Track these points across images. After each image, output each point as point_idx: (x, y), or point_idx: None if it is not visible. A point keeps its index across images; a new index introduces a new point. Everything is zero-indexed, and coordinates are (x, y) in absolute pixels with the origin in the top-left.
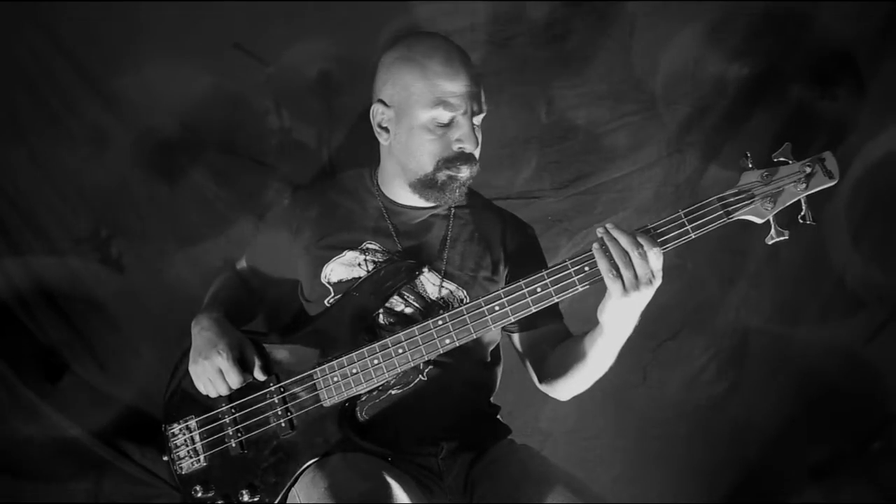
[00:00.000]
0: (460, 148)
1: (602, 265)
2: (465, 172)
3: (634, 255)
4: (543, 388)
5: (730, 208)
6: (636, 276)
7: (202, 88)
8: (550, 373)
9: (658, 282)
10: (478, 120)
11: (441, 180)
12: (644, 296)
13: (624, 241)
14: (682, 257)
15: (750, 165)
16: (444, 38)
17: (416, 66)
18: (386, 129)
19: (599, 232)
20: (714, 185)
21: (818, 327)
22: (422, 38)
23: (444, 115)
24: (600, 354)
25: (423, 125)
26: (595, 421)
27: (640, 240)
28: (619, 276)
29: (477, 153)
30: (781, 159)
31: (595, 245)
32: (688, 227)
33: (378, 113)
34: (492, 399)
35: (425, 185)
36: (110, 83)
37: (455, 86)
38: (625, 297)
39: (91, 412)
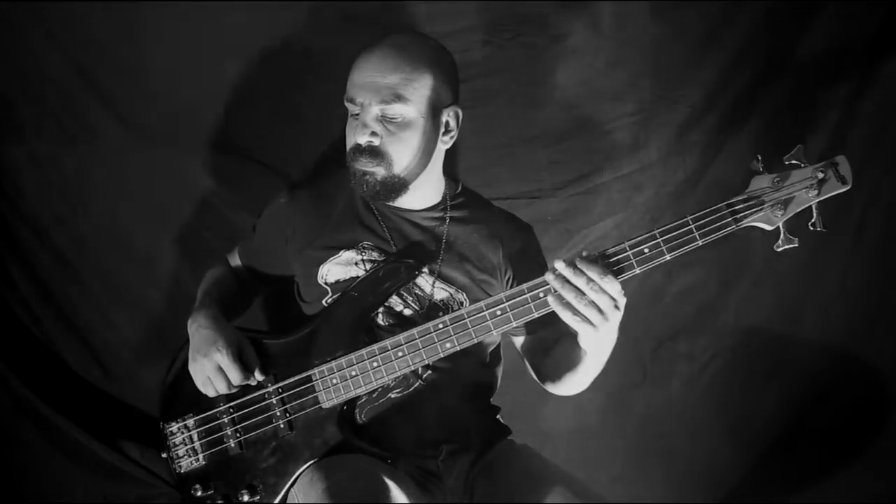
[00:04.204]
0: (354, 139)
1: (566, 316)
2: (367, 167)
3: (591, 293)
4: (543, 386)
5: (738, 215)
6: (600, 311)
7: (202, 88)
8: (547, 376)
9: (623, 301)
10: (392, 111)
11: (353, 173)
12: (614, 322)
13: (577, 281)
14: (682, 257)
15: (761, 169)
16: (398, 35)
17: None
18: None
19: (549, 279)
20: (715, 185)
21: (818, 327)
22: (383, 37)
23: (350, 107)
24: (588, 367)
25: (347, 118)
26: (595, 421)
27: (591, 275)
28: (585, 318)
29: (377, 142)
30: (793, 162)
31: (550, 298)
32: (695, 233)
33: None
34: (491, 400)
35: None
36: (111, 83)
37: (359, 76)
38: (596, 332)
39: (91, 412)
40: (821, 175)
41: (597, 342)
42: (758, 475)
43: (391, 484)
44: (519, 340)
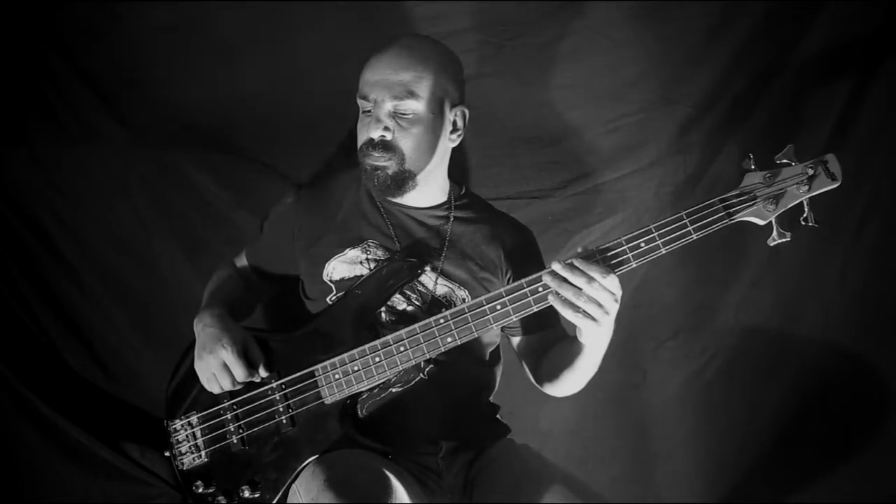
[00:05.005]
0: (367, 134)
1: (567, 314)
2: (379, 161)
3: (590, 290)
4: (540, 387)
5: (732, 209)
6: (600, 305)
7: (202, 89)
8: (543, 377)
9: (620, 294)
10: (404, 107)
11: (365, 168)
12: (613, 314)
13: (575, 280)
14: (682, 257)
15: (752, 167)
16: (409, 37)
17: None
18: None
19: (547, 279)
20: (714, 185)
21: (818, 327)
22: (393, 38)
23: (363, 104)
24: (586, 365)
25: (359, 116)
26: (595, 421)
27: (592, 274)
28: (587, 314)
29: (389, 136)
30: (784, 161)
31: (551, 297)
32: (690, 227)
33: None
34: (491, 399)
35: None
36: (111, 83)
37: (371, 74)
38: (598, 327)
39: (91, 412)
40: (811, 172)
41: (597, 336)
42: (757, 475)
43: (392, 478)
44: (516, 340)
